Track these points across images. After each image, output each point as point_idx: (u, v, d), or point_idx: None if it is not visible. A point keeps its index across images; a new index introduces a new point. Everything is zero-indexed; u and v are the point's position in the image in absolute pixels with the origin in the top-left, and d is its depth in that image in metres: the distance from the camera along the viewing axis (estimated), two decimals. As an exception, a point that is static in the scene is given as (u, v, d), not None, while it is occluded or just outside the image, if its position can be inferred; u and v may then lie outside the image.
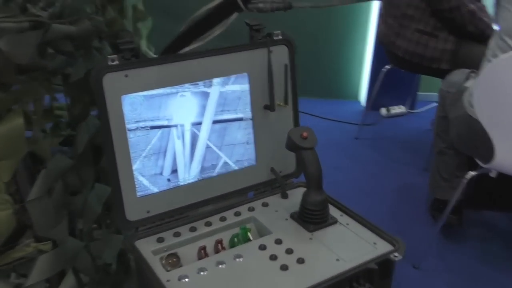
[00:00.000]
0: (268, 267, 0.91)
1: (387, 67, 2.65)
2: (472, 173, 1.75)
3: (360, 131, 2.90)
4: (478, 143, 1.66)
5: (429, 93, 3.20)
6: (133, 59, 0.94)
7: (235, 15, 1.44)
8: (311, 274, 0.88)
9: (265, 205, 1.10)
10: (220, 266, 0.91)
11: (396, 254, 0.93)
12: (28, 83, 0.90)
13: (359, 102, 3.38)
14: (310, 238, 0.98)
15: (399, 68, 2.55)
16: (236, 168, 1.10)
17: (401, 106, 3.20)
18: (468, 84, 1.80)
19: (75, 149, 1.10)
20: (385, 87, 2.94)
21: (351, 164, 2.63)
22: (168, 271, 0.91)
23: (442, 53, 2.31)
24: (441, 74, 2.26)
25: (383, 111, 3.15)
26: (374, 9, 3.06)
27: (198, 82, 1.02)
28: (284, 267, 0.90)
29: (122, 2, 1.33)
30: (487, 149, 1.62)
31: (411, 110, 3.23)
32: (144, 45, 1.90)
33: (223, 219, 1.05)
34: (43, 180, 0.95)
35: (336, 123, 3.05)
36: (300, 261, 0.91)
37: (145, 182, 1.00)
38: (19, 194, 0.97)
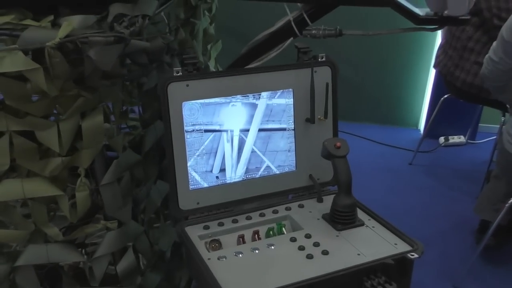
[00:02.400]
0: (296, 255, 1.04)
1: (446, 96, 2.70)
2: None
3: (415, 158, 2.95)
4: None
5: (491, 125, 3.21)
6: (195, 72, 1.13)
7: (290, 40, 1.61)
8: (332, 264, 1.01)
9: (301, 206, 1.23)
10: (254, 251, 1.05)
11: (413, 253, 1.03)
12: (110, 88, 1.10)
13: (419, 131, 3.43)
14: (337, 236, 1.11)
15: (458, 98, 2.60)
16: (278, 172, 1.25)
17: (461, 136, 3.22)
18: (507, 117, 1.87)
19: (143, 147, 1.29)
20: (446, 117, 2.97)
21: (404, 188, 2.70)
22: (209, 252, 1.07)
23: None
24: (500, 105, 2.29)
25: (441, 139, 3.18)
26: (439, 38, 3.11)
27: (248, 95, 1.18)
28: (309, 256, 1.03)
29: (194, 26, 1.53)
30: None
31: (471, 141, 3.23)
32: (212, 65, 2.10)
33: (262, 215, 1.19)
34: (114, 169, 1.14)
35: (392, 149, 3.13)
36: (325, 252, 1.04)
37: (197, 177, 1.17)
38: (95, 179, 1.17)
